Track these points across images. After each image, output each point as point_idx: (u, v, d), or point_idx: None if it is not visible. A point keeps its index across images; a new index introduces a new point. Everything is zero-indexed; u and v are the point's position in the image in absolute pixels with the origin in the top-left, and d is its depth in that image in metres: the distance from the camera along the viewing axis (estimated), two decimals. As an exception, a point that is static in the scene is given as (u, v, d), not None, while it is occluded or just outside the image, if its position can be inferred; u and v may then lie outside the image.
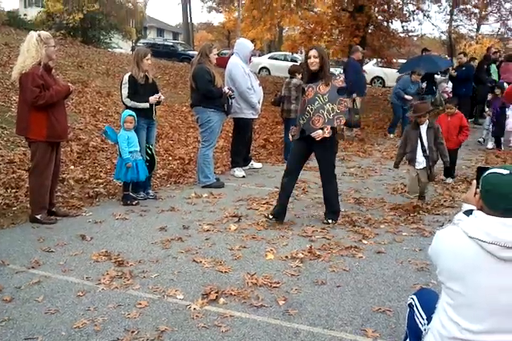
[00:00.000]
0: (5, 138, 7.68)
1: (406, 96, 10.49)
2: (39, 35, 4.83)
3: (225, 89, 6.79)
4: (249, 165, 7.96)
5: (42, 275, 3.90)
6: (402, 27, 17.54)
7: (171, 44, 29.79)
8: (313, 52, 5.01)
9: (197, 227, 5.14)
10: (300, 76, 8.56)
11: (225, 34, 52.10)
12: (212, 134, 6.87)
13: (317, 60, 4.97)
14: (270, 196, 6.41)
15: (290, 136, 5.42)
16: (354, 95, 10.20)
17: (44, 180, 5.07)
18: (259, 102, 7.40)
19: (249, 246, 4.67)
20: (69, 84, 5.26)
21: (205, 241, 4.74)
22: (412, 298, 2.63)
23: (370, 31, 16.23)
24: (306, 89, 5.07)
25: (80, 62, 14.41)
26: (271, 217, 5.23)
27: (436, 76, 13.61)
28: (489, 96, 10.15)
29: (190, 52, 26.68)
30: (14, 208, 5.47)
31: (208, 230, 5.02)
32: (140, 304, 3.47)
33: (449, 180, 7.30)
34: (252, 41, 31.00)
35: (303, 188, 6.88)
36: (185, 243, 4.71)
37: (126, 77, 6.00)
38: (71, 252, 4.38)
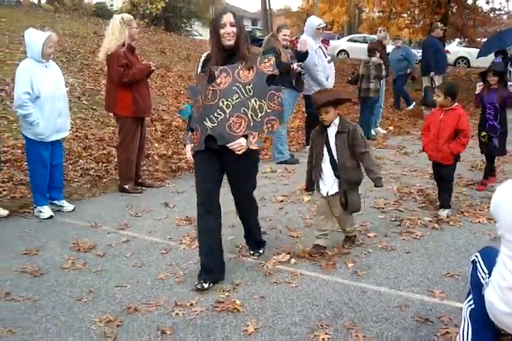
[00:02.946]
0: (95, 119, 8.27)
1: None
2: (122, 18, 5.21)
3: (294, 65, 6.92)
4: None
5: (130, 235, 4.29)
6: (487, 3, 16.75)
7: (250, 30, 30.11)
8: (228, 18, 3.21)
9: (271, 198, 5.37)
10: (379, 54, 8.53)
11: (303, 18, 51.77)
12: (284, 112, 7.03)
13: (234, 30, 3.20)
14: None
15: (188, 149, 3.43)
16: (432, 74, 9.97)
17: (130, 153, 5.49)
18: (327, 79, 7.44)
19: (322, 215, 4.82)
20: (150, 62, 5.61)
21: (278, 211, 4.95)
22: (475, 256, 2.70)
23: (452, 9, 15.64)
24: (215, 73, 3.24)
25: (163, 48, 15.00)
26: (204, 285, 3.31)
27: None
28: (478, 88, 5.64)
29: (269, 37, 26.90)
30: (105, 179, 5.97)
31: (281, 201, 5.23)
32: (217, 262, 3.74)
33: (443, 213, 4.76)
34: (330, 24, 30.62)
35: (377, 164, 6.90)
36: (260, 211, 4.86)
37: (203, 55, 6.27)
38: (156, 217, 4.75)
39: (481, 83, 5.61)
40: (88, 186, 5.76)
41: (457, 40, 20.99)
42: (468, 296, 2.68)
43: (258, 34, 29.68)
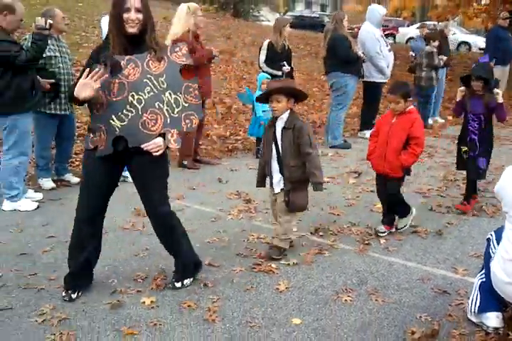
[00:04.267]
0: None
1: (411, 53, 9.85)
2: (188, 7, 5.63)
3: (360, 53, 7.17)
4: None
5: (185, 205, 4.74)
6: None
7: (317, 16, 30.09)
8: (134, 2, 2.76)
9: (318, 179, 5.68)
10: (436, 43, 8.56)
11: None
12: (347, 98, 7.35)
13: (140, 17, 2.77)
14: (393, 158, 6.72)
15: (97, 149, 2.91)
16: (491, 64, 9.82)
17: (190, 132, 5.93)
18: (388, 67, 7.63)
19: (363, 198, 5.10)
20: (212, 48, 6.00)
21: (323, 190, 5.25)
22: (490, 234, 2.94)
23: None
24: (122, 63, 2.80)
25: (229, 34, 15.43)
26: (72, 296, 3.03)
27: None
28: (458, 94, 4.74)
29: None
30: (166, 156, 6.48)
31: (327, 182, 5.52)
32: (260, 231, 4.13)
33: (381, 229, 4.16)
34: (398, 10, 29.91)
35: (428, 152, 7.05)
36: (306, 190, 5.29)
37: (265, 44, 6.67)
38: (209, 190, 5.19)
39: (463, 88, 4.66)
40: (151, 161, 6.27)
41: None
42: (481, 271, 2.93)
43: (326, 20, 29.60)
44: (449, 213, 4.71)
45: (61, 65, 4.91)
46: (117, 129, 2.81)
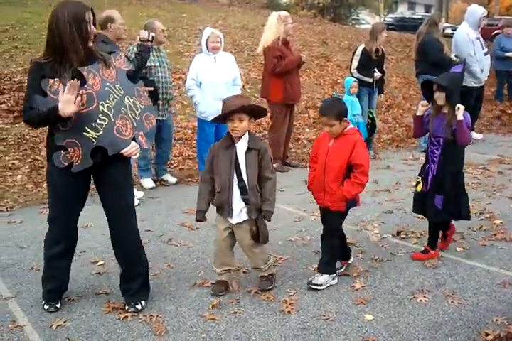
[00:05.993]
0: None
1: (507, 54, 9.11)
2: (279, 15, 5.88)
3: (453, 56, 7.04)
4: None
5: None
6: None
7: (420, 17, 29.23)
8: (91, 15, 2.82)
9: (406, 183, 5.67)
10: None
11: (483, 3, 48.39)
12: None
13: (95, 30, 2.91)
14: (489, 162, 6.54)
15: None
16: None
17: (279, 135, 6.18)
18: (482, 71, 7.38)
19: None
20: (301, 54, 6.19)
21: (411, 195, 5.23)
22: None
23: None
24: (84, 74, 2.78)
25: (325, 38, 15.50)
26: None
27: None
28: (419, 108, 3.74)
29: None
30: (257, 158, 6.76)
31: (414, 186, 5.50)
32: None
33: (319, 279, 3.33)
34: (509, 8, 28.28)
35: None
36: (392, 194, 5.32)
37: (359, 49, 6.74)
38: (296, 192, 5.38)
39: (425, 102, 3.70)
40: (242, 163, 6.58)
41: None
42: None
43: (428, 21, 28.81)
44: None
45: (160, 74, 5.33)
46: (94, 140, 2.79)
